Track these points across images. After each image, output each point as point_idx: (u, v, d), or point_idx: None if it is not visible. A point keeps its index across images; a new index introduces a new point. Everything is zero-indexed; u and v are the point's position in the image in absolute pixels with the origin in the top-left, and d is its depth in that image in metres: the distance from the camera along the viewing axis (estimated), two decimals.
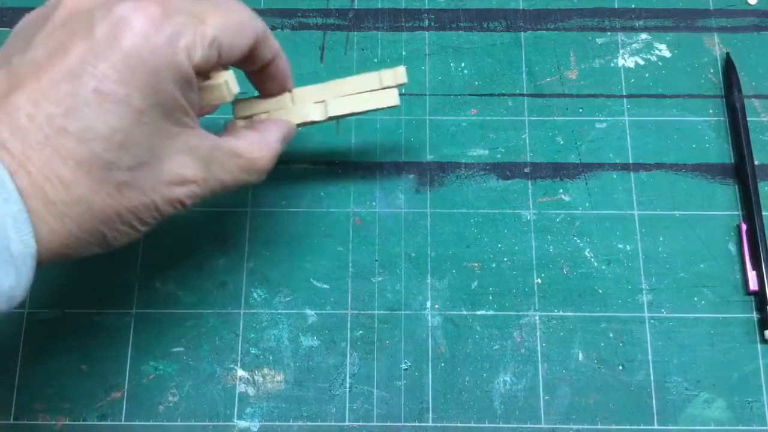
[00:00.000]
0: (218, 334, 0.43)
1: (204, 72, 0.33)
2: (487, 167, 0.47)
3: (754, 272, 0.44)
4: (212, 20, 0.31)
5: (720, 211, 0.46)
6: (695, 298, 0.44)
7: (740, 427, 0.41)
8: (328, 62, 0.49)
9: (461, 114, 0.48)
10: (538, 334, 0.43)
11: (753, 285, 0.43)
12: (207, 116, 0.42)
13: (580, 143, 0.47)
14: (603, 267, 0.44)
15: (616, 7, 0.51)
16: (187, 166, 0.32)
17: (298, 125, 0.40)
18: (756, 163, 0.46)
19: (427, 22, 0.50)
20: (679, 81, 0.49)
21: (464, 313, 0.44)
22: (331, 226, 0.45)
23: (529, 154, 0.47)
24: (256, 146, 0.36)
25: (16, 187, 0.27)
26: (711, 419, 0.41)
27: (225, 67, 0.35)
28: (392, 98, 0.41)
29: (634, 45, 0.50)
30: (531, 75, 0.49)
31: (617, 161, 0.47)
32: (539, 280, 0.44)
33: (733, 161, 0.47)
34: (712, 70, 0.49)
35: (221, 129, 0.39)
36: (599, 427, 0.41)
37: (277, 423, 0.42)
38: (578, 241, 0.45)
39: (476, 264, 0.45)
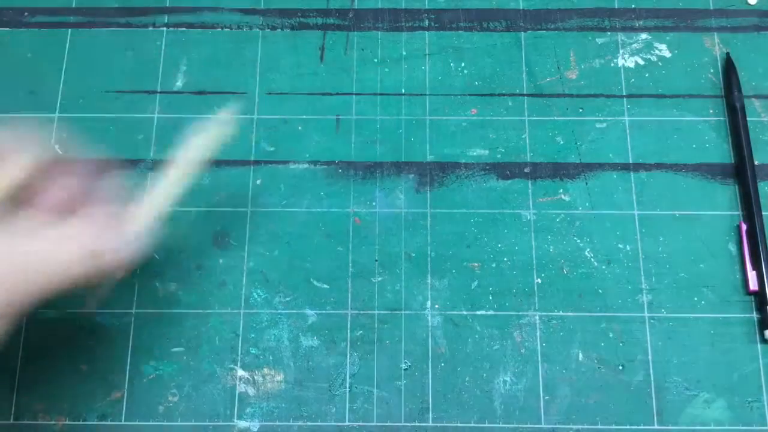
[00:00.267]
0: (218, 334, 0.43)
1: None
2: (487, 167, 0.47)
3: (754, 272, 0.44)
4: None
5: (720, 211, 0.46)
6: (695, 298, 0.44)
7: (740, 427, 0.41)
8: (328, 62, 0.49)
9: (461, 114, 0.48)
10: (538, 334, 0.43)
11: (753, 285, 0.43)
12: None
13: (580, 143, 0.47)
14: (603, 267, 0.44)
15: (616, 7, 0.51)
16: None
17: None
18: (756, 163, 0.46)
19: (427, 22, 0.50)
20: (679, 81, 0.49)
21: (464, 313, 0.44)
22: (331, 226, 0.45)
23: (529, 154, 0.47)
24: None
25: None
26: (711, 419, 0.41)
27: None
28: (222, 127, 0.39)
29: (634, 45, 0.50)
30: (531, 75, 0.49)
31: (617, 161, 0.47)
32: (539, 280, 0.44)
33: (733, 161, 0.47)
34: (712, 70, 0.49)
35: None
36: (599, 427, 0.41)
37: (277, 423, 0.42)
38: (578, 241, 0.45)
39: (476, 264, 0.45)
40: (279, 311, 0.44)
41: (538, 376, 0.42)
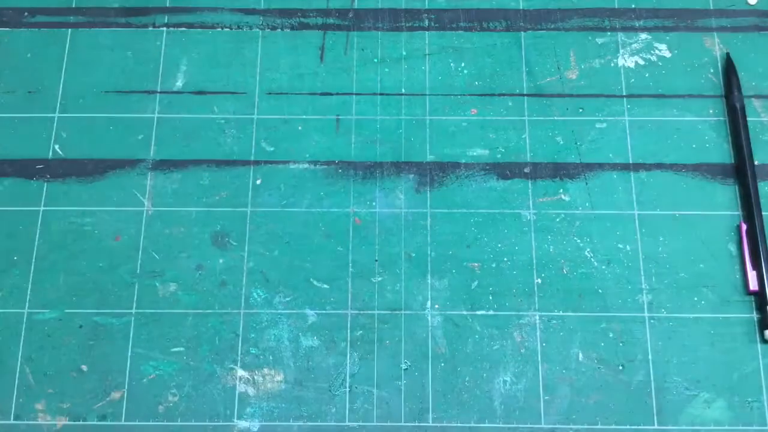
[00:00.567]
0: (218, 334, 0.43)
1: None
2: (487, 167, 0.47)
3: (754, 272, 0.44)
4: None
5: (720, 211, 0.46)
6: (695, 298, 0.44)
7: (740, 427, 0.41)
8: (328, 62, 0.49)
9: (461, 114, 0.48)
10: (538, 334, 0.43)
11: (753, 285, 0.43)
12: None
13: (580, 143, 0.47)
14: (603, 267, 0.44)
15: (616, 7, 0.51)
16: None
17: None
18: (756, 163, 0.46)
19: (427, 22, 0.50)
20: (679, 81, 0.49)
21: (464, 313, 0.44)
22: (331, 226, 0.46)
23: (529, 154, 0.47)
24: None
25: None
26: (711, 419, 0.41)
27: None
28: None
29: (634, 45, 0.50)
30: (531, 75, 0.49)
31: (617, 161, 0.47)
32: (539, 280, 0.44)
33: (733, 161, 0.47)
34: (712, 70, 0.49)
35: None
36: (599, 427, 0.41)
37: (277, 423, 0.42)
38: (578, 241, 0.45)
39: (476, 264, 0.45)
40: (279, 311, 0.44)
41: (538, 376, 0.42)
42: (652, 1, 0.51)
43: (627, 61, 0.49)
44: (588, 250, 0.45)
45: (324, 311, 0.44)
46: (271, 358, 0.43)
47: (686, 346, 0.43)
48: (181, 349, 0.43)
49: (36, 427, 0.42)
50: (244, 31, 0.50)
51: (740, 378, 0.42)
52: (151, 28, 0.50)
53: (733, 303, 0.44)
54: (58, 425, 0.42)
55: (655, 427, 0.41)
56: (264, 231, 0.45)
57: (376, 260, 0.45)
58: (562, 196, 0.46)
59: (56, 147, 0.47)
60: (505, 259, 0.45)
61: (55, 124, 0.48)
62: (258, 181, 0.46)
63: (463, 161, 0.47)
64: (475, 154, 0.47)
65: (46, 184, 0.46)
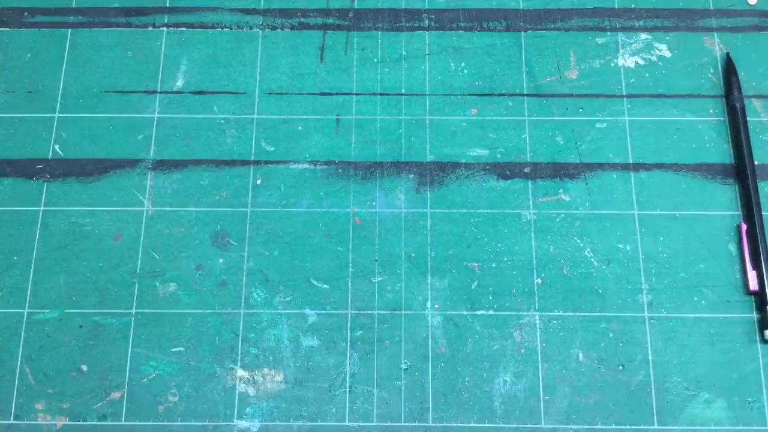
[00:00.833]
0: (218, 334, 0.43)
1: None
2: (487, 167, 0.47)
3: (754, 272, 0.44)
4: None
5: (720, 211, 0.46)
6: (695, 298, 0.44)
7: (740, 427, 0.41)
8: (328, 62, 0.49)
9: (461, 114, 0.48)
10: (538, 334, 0.43)
11: (753, 285, 0.43)
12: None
13: (580, 143, 0.47)
14: (603, 267, 0.44)
15: (616, 7, 0.51)
16: None
17: None
18: (756, 163, 0.46)
19: (427, 22, 0.50)
20: (679, 81, 0.49)
21: (464, 313, 0.44)
22: (331, 226, 0.46)
23: (529, 154, 0.47)
24: None
25: None
26: (711, 419, 0.41)
27: None
28: None
29: (634, 45, 0.50)
30: (531, 75, 0.49)
31: (617, 161, 0.47)
32: (539, 280, 0.44)
33: (733, 161, 0.47)
34: (712, 70, 0.49)
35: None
36: (599, 427, 0.41)
37: (277, 423, 0.42)
38: (578, 241, 0.45)
39: (476, 264, 0.45)
40: (279, 311, 0.44)
41: (538, 376, 0.42)
42: (652, 1, 0.51)
43: (627, 61, 0.49)
44: (588, 250, 0.45)
45: (324, 311, 0.44)
46: (271, 358, 0.43)
47: (686, 346, 0.43)
48: (181, 349, 0.43)
49: (36, 427, 0.42)
50: (244, 31, 0.50)
51: (740, 378, 0.42)
52: (151, 28, 0.50)
53: (733, 303, 0.44)
54: (58, 425, 0.42)
55: (655, 427, 0.41)
56: (264, 231, 0.45)
57: (376, 260, 0.45)
58: (562, 196, 0.46)
59: (56, 147, 0.47)
60: (505, 259, 0.45)
61: (55, 124, 0.48)
62: (258, 181, 0.46)
63: (463, 161, 0.47)
64: (475, 154, 0.47)
65: (46, 184, 0.46)
